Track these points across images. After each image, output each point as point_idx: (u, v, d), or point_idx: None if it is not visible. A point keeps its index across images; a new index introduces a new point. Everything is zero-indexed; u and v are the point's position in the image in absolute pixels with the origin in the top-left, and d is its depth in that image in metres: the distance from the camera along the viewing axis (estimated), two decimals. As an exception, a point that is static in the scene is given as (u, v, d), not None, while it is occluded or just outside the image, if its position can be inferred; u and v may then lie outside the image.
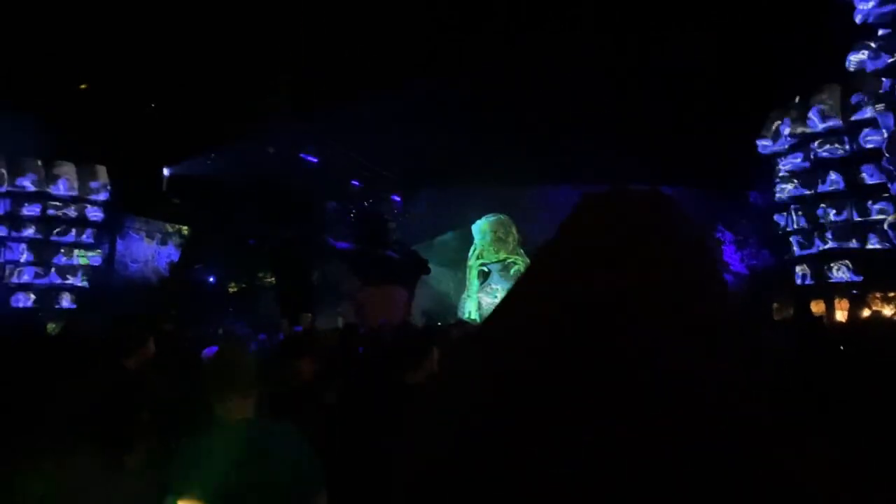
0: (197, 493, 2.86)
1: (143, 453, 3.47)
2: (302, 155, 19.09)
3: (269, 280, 24.77)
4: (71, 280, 20.49)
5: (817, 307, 19.20)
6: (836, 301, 18.82)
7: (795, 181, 19.26)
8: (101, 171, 20.64)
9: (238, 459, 3.10)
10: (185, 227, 23.81)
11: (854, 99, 16.86)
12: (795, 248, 19.66)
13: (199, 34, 14.94)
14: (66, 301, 20.34)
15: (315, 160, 19.24)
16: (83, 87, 15.87)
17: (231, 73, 16.22)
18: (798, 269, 19.55)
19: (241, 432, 3.22)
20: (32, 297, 19.67)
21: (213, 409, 3.33)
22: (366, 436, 3.72)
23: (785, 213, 19.95)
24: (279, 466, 3.15)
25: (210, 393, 3.38)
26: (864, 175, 17.28)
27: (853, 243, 17.70)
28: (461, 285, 30.25)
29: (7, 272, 19.35)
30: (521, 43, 17.42)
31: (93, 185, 20.57)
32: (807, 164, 18.77)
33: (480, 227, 29.49)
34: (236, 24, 14.78)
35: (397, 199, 24.96)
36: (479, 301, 29.15)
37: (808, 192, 18.90)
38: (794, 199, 19.45)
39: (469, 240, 29.96)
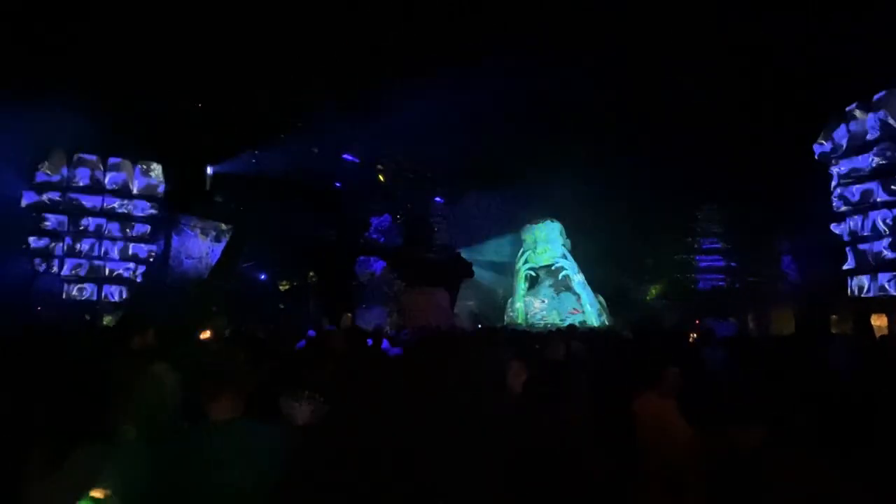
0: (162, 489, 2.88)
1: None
2: (344, 156, 19.27)
3: (316, 279, 25.10)
4: (126, 274, 21.11)
5: (878, 321, 18.45)
6: (900, 314, 18.06)
7: (853, 189, 18.53)
8: (157, 168, 21.24)
9: (221, 459, 3.11)
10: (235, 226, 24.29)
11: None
12: (853, 259, 18.90)
13: (245, 37, 15.25)
14: (120, 293, 20.97)
15: (356, 160, 19.40)
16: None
17: (277, 75, 16.47)
18: (856, 280, 18.79)
19: (228, 431, 3.23)
20: (88, 289, 20.34)
21: (204, 408, 3.36)
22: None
23: (842, 222, 19.21)
24: (261, 467, 3.15)
25: (202, 391, 3.41)
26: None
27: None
28: (510, 289, 30.13)
29: (65, 265, 20.06)
30: (575, 46, 17.23)
31: (149, 181, 21.18)
32: (865, 171, 18.04)
33: (529, 232, 29.34)
34: (282, 26, 15.02)
35: (440, 200, 24.95)
36: (525, 304, 29.00)
37: (865, 201, 18.15)
38: (851, 207, 18.70)
39: (517, 243, 29.84)
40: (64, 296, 19.69)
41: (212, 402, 3.36)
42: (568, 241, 28.95)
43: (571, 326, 13.19)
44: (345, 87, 16.80)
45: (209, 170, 19.37)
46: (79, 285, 20.20)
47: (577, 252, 29.00)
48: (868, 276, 18.36)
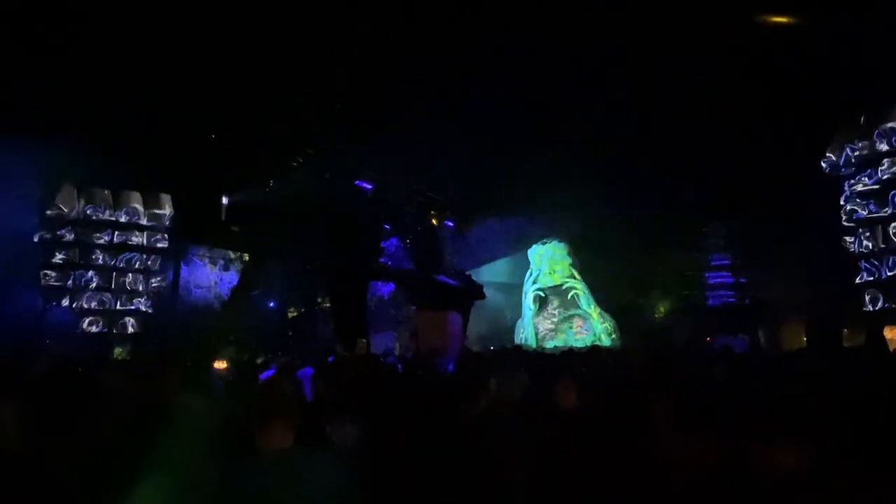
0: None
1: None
2: (357, 182, 19.39)
3: (326, 305, 25.09)
4: (137, 305, 21.13)
5: (891, 334, 18.39)
6: (911, 328, 17.99)
7: (863, 202, 18.55)
8: (166, 199, 21.35)
9: (275, 487, 3.11)
10: (246, 254, 24.37)
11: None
12: (865, 272, 18.88)
13: (255, 64, 15.36)
14: (132, 325, 20.97)
15: (370, 186, 19.52)
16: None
17: (287, 101, 16.58)
18: (868, 293, 18.76)
19: (281, 461, 3.23)
20: (100, 321, 20.36)
21: (254, 437, 3.35)
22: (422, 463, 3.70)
23: (853, 236, 19.21)
24: (315, 495, 3.15)
25: (252, 420, 3.40)
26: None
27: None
28: (517, 310, 30.12)
29: (76, 297, 20.08)
30: (577, 71, 17.35)
31: (158, 213, 21.27)
32: (875, 185, 18.08)
33: (536, 253, 29.40)
34: (292, 52, 15.14)
35: (451, 224, 25.06)
36: (535, 325, 28.96)
37: (877, 214, 18.16)
38: (863, 221, 18.72)
39: (525, 265, 29.87)
40: (75, 329, 19.68)
41: (262, 433, 3.36)
42: (576, 261, 29.04)
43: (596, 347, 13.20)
44: (357, 113, 16.90)
45: (224, 199, 19.49)
46: (90, 318, 20.20)
47: (586, 271, 29.06)
48: (880, 290, 18.32)
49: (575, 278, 28.82)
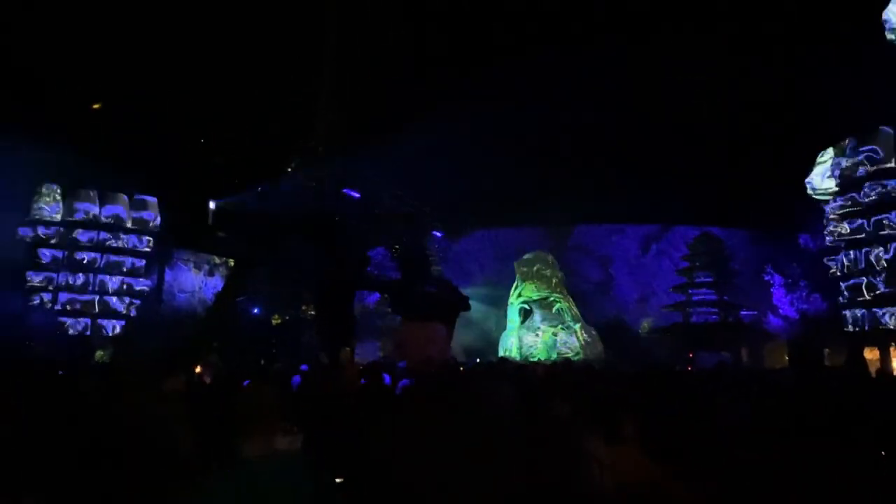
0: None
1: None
2: (345, 190, 19.39)
3: (311, 313, 25.00)
4: (120, 308, 20.99)
5: (871, 354, 18.58)
6: (892, 348, 18.19)
7: (846, 224, 18.77)
8: (152, 203, 21.27)
9: (254, 494, 3.12)
10: (231, 260, 24.28)
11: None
12: (846, 293, 19.08)
13: (246, 74, 15.41)
14: (114, 328, 20.82)
15: (357, 195, 19.53)
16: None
17: (277, 108, 16.62)
18: (849, 313, 18.95)
19: (261, 468, 3.23)
20: (82, 323, 20.19)
21: (235, 444, 3.35)
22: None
23: (836, 257, 19.42)
24: (294, 502, 3.16)
25: (234, 428, 3.40)
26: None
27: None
28: (503, 322, 30.14)
29: (59, 299, 19.92)
30: (569, 84, 17.51)
31: (143, 216, 21.18)
32: (857, 207, 18.31)
33: (521, 265, 29.44)
34: (283, 62, 15.20)
35: (439, 234, 25.09)
36: (520, 338, 28.98)
37: (859, 236, 18.38)
38: (845, 242, 18.93)
39: (512, 277, 29.91)
40: (58, 330, 19.51)
41: (245, 440, 3.36)
42: (561, 275, 29.10)
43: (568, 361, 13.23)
44: (347, 122, 16.96)
45: (211, 204, 19.43)
46: (72, 319, 20.04)
47: (571, 285, 29.18)
48: (861, 310, 18.51)
49: (560, 292, 28.88)
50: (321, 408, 5.58)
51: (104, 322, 20.67)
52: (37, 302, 19.56)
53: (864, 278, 18.33)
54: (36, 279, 19.62)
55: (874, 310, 18.00)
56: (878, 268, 17.76)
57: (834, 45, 15.19)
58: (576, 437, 3.45)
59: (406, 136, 16.61)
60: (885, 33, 16.56)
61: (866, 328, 18.33)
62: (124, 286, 21.11)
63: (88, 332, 20.24)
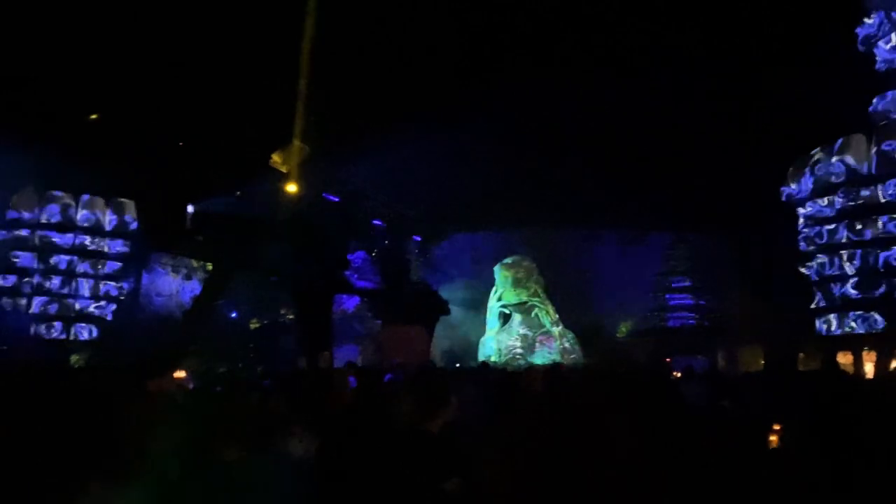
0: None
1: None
2: (324, 194, 19.40)
3: (290, 317, 24.93)
4: (96, 311, 20.73)
5: (844, 358, 18.85)
6: (865, 353, 18.46)
7: (819, 229, 19.02)
8: (130, 205, 21.03)
9: (234, 497, 3.15)
10: (209, 263, 24.13)
11: (883, 147, 16.79)
12: (820, 298, 19.34)
13: (224, 75, 15.36)
14: (90, 332, 20.56)
15: (336, 199, 19.54)
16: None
17: (256, 112, 16.56)
18: (822, 318, 19.21)
19: (232, 471, 3.26)
20: (58, 327, 19.93)
21: (208, 448, 3.37)
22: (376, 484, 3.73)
23: (810, 262, 19.67)
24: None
25: (215, 432, 3.42)
26: (889, 224, 17.07)
27: (881, 291, 17.35)
28: (482, 327, 30.20)
29: (34, 302, 19.66)
30: (547, 88, 17.63)
31: (121, 219, 20.94)
32: (831, 213, 18.58)
33: (501, 269, 29.51)
34: (262, 63, 15.17)
35: (418, 238, 25.16)
36: (498, 343, 29.05)
37: (832, 241, 18.64)
38: (818, 248, 19.18)
39: (490, 281, 29.99)
40: (32, 334, 19.24)
41: (223, 443, 3.39)
42: (541, 279, 29.21)
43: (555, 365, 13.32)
44: (329, 127, 16.95)
45: (189, 208, 19.30)
46: (48, 323, 19.77)
47: (550, 289, 29.30)
48: (835, 315, 18.76)
49: (539, 296, 28.99)
50: (329, 414, 5.57)
51: (80, 326, 20.41)
52: (10, 306, 19.27)
53: (838, 284, 18.59)
54: (9, 282, 19.34)
55: (847, 314, 18.26)
56: (850, 273, 18.02)
57: (808, 52, 15.43)
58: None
59: (386, 140, 16.64)
60: (858, 44, 16.91)
61: (839, 333, 18.58)
62: (101, 290, 20.86)
63: (63, 336, 19.98)
